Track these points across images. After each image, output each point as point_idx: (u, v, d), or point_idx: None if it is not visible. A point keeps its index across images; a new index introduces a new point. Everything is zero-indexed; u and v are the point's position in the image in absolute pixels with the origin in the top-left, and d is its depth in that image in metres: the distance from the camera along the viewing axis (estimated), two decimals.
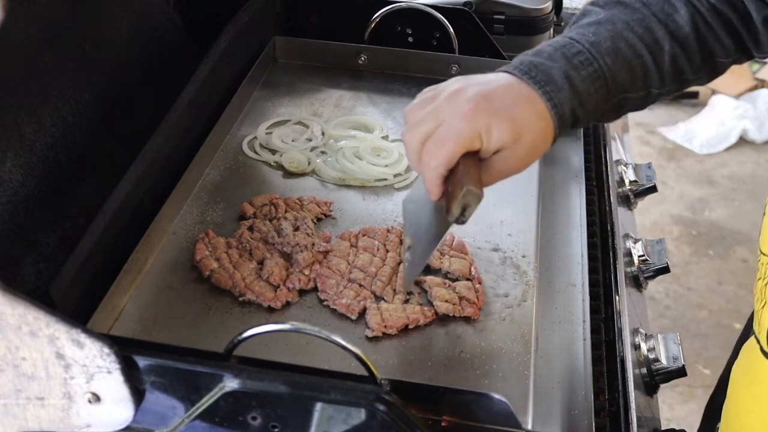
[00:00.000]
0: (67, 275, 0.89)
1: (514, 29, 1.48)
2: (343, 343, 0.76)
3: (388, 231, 1.09)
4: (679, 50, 0.93)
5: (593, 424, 0.87)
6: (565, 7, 1.62)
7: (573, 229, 1.14)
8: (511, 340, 0.95)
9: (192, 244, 1.05)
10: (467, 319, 0.98)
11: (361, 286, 1.00)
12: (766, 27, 0.94)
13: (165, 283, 1.01)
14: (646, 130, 3.89)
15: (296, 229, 1.07)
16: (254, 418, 0.74)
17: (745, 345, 0.95)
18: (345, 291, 0.99)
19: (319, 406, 0.73)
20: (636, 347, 1.00)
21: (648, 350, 1.00)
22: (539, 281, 1.04)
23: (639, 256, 1.16)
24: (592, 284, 1.05)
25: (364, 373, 0.76)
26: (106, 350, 0.72)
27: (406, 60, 1.45)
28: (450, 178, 0.84)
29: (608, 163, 1.25)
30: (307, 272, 1.01)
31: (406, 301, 0.99)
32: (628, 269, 1.14)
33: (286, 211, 1.11)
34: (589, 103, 0.88)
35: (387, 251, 1.05)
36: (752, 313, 0.94)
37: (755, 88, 4.03)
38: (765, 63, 4.06)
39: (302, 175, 1.22)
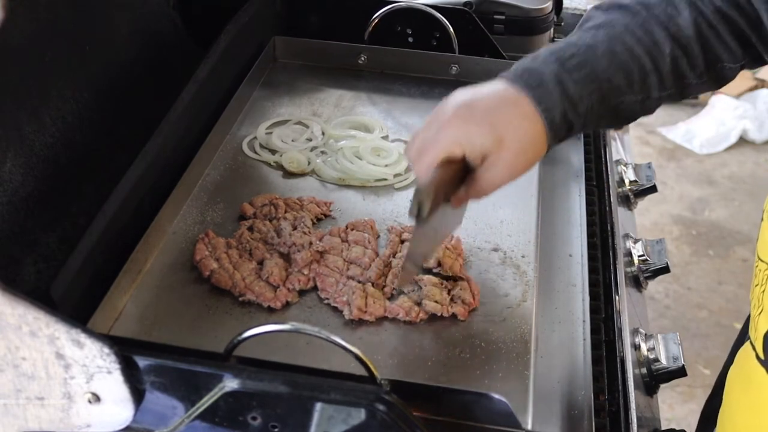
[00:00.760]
0: (67, 275, 0.89)
1: (514, 29, 1.48)
2: (343, 343, 0.76)
3: (388, 229, 1.09)
4: (680, 53, 0.93)
5: (593, 424, 0.87)
6: (565, 7, 1.63)
7: (573, 229, 1.15)
8: (511, 340, 0.95)
9: (192, 244, 1.05)
10: (467, 320, 0.97)
11: (360, 282, 1.00)
12: None
13: (165, 283, 1.01)
14: (646, 130, 3.89)
15: (294, 228, 1.07)
16: (254, 418, 0.74)
17: (741, 350, 0.94)
18: (345, 288, 0.99)
19: (319, 406, 0.73)
20: (636, 347, 1.00)
21: (648, 350, 1.00)
22: (539, 281, 1.04)
23: (639, 256, 1.16)
24: (592, 284, 1.05)
25: (364, 373, 0.76)
26: (106, 350, 0.72)
27: (406, 60, 1.45)
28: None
29: (608, 163, 1.25)
30: (306, 272, 1.01)
31: (398, 294, 1.00)
32: (628, 269, 1.14)
33: (286, 212, 1.11)
34: (581, 106, 0.88)
35: (377, 242, 1.07)
36: (748, 317, 0.93)
37: (755, 88, 4.03)
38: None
39: (302, 175, 1.22)
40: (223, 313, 0.97)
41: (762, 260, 0.88)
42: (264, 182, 1.20)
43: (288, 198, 1.14)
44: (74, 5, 1.10)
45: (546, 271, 1.07)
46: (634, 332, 1.01)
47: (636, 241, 1.18)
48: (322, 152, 1.26)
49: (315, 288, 1.01)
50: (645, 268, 1.16)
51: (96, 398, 0.75)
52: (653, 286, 1.82)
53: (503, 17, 1.48)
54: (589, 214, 1.16)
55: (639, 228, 1.46)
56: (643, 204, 1.38)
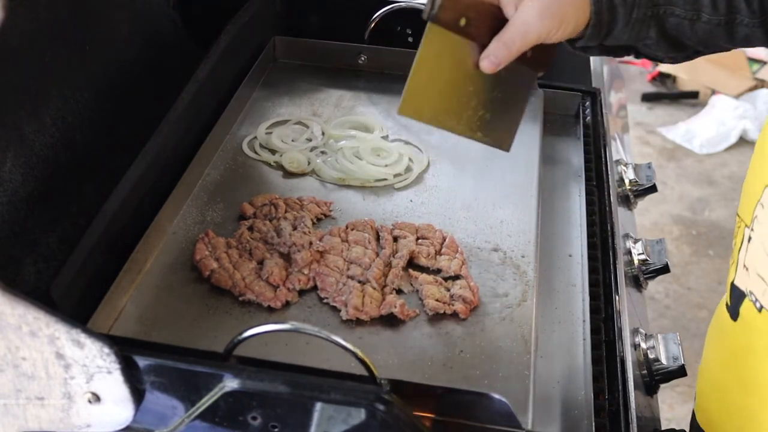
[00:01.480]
0: (67, 275, 0.89)
1: None
2: (343, 343, 0.76)
3: (378, 229, 1.10)
4: None
5: (593, 424, 0.87)
6: None
7: (573, 229, 1.15)
8: (511, 340, 0.95)
9: (192, 244, 1.05)
10: (467, 319, 0.98)
11: (360, 282, 1.00)
12: None
13: (165, 283, 1.01)
14: (646, 130, 3.89)
15: (294, 228, 1.07)
16: (254, 418, 0.74)
17: (718, 305, 0.98)
18: (345, 288, 0.99)
19: (319, 406, 0.73)
20: (636, 347, 1.00)
21: (648, 350, 1.00)
22: (539, 281, 1.04)
23: (639, 256, 1.16)
24: (592, 284, 1.05)
25: (364, 373, 0.76)
26: (106, 350, 0.72)
27: (406, 60, 1.44)
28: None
29: (608, 163, 1.25)
30: (306, 272, 1.01)
31: (392, 292, 1.00)
32: (628, 269, 1.14)
33: (286, 211, 1.11)
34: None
35: (378, 242, 1.07)
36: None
37: (755, 88, 4.03)
38: (765, 63, 4.06)
39: (302, 175, 1.22)
40: (223, 312, 0.97)
41: (740, 217, 0.91)
42: (264, 182, 1.20)
43: (288, 198, 1.14)
44: (74, 5, 1.10)
45: (546, 271, 1.07)
46: (634, 332, 1.01)
47: (636, 241, 1.18)
48: (322, 152, 1.26)
49: (315, 288, 1.01)
50: (645, 268, 1.16)
51: (96, 398, 0.75)
52: (653, 286, 1.82)
53: None
54: (589, 214, 1.16)
55: (639, 228, 1.46)
56: (643, 204, 1.38)
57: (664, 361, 1.00)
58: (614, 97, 1.63)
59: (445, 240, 1.08)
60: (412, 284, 1.02)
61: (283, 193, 1.16)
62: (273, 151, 1.26)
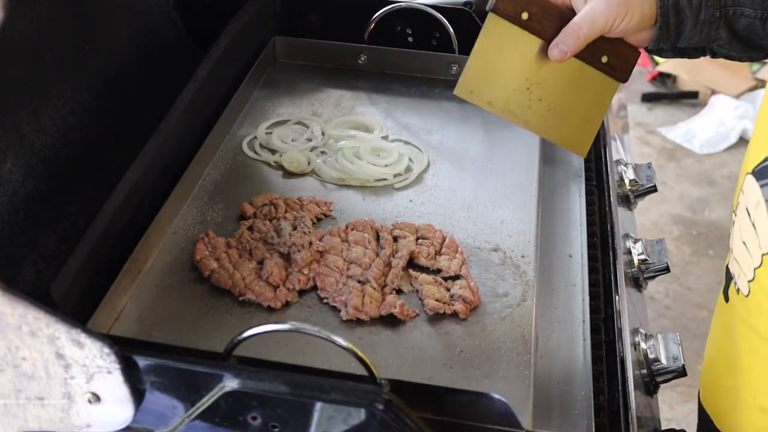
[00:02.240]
0: (67, 275, 0.89)
1: None
2: (343, 342, 0.76)
3: (378, 229, 1.10)
4: None
5: (593, 424, 0.87)
6: None
7: (573, 229, 1.15)
8: (511, 340, 0.95)
9: (192, 244, 1.05)
10: (467, 319, 0.98)
11: (360, 282, 1.00)
12: None
13: (165, 283, 1.01)
14: (646, 130, 3.89)
15: (294, 228, 1.07)
16: (254, 418, 0.74)
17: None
18: (345, 288, 0.99)
19: (319, 406, 0.73)
20: (636, 347, 1.00)
21: (648, 350, 1.00)
22: (539, 281, 1.04)
23: (639, 256, 1.16)
24: (592, 284, 1.05)
25: (364, 373, 0.76)
26: (106, 350, 0.72)
27: (406, 60, 1.45)
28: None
29: (608, 163, 1.25)
30: (306, 272, 1.01)
31: (392, 292, 1.00)
32: (628, 269, 1.14)
33: (286, 211, 1.11)
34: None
35: (378, 242, 1.07)
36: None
37: (755, 88, 4.02)
38: (765, 62, 4.06)
39: (302, 175, 1.22)
40: (223, 312, 0.97)
41: (733, 204, 0.93)
42: (264, 182, 1.20)
43: (288, 198, 1.14)
44: (74, 5, 1.10)
45: (546, 271, 1.07)
46: (634, 332, 1.01)
47: (636, 241, 1.18)
48: (322, 152, 1.26)
49: (315, 288, 1.01)
50: (645, 268, 1.16)
51: (96, 398, 0.75)
52: (653, 286, 1.82)
53: None
54: (589, 214, 1.17)
55: (639, 228, 1.46)
56: (643, 204, 1.38)
57: (664, 361, 1.00)
58: (614, 97, 1.63)
59: (445, 240, 1.08)
60: (412, 284, 1.02)
61: (283, 193, 1.16)
62: (273, 151, 1.26)
